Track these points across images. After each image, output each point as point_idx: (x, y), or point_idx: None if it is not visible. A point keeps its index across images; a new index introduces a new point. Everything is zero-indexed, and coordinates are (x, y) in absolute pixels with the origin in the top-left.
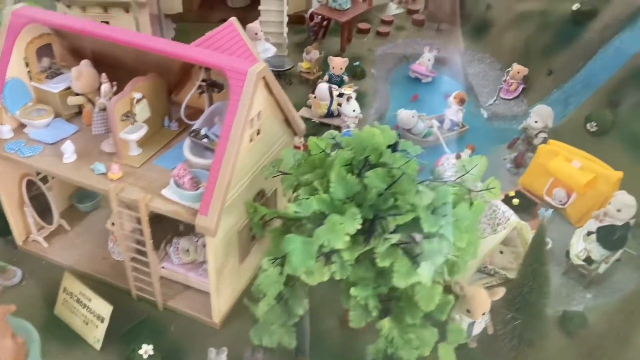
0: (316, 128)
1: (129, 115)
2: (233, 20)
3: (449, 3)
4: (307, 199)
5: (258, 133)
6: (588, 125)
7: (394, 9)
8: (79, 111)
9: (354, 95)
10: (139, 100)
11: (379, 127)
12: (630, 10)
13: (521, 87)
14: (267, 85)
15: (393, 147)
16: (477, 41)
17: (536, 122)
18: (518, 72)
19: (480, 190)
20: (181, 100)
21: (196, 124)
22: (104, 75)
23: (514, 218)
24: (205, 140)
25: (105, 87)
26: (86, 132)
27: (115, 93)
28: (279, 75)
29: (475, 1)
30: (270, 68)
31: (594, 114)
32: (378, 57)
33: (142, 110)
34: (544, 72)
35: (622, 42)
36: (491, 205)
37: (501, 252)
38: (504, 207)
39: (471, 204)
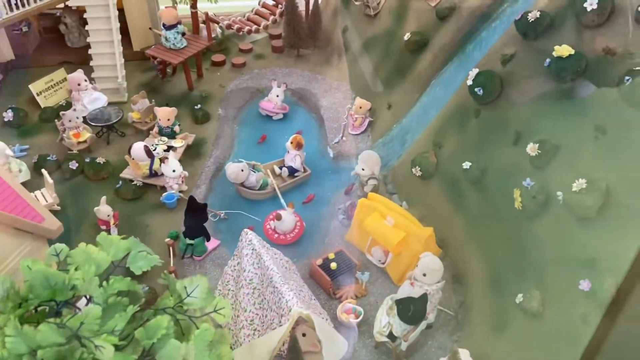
0: (140, 190)
1: None
2: None
3: (306, 26)
4: None
5: None
6: (413, 170)
7: (256, 36)
8: None
9: (172, 155)
10: None
11: (103, 240)
12: (457, 38)
13: (367, 121)
14: None
15: None
16: (335, 68)
17: (363, 169)
18: (360, 107)
19: (208, 313)
20: None
21: None
22: None
23: (295, 309)
24: None
25: None
26: None
27: None
28: (110, 127)
29: (334, 23)
30: (95, 123)
31: (418, 158)
32: (229, 93)
33: None
34: (386, 105)
35: (450, 74)
36: (277, 291)
37: (304, 335)
38: (288, 296)
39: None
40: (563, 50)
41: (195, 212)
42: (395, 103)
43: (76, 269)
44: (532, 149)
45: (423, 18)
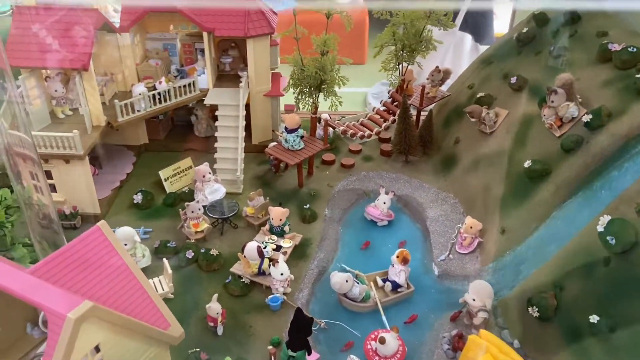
0: (247, 288)
1: None
2: (100, 225)
3: (417, 134)
4: None
5: None
6: (530, 309)
7: (358, 140)
8: None
9: (282, 258)
10: None
11: None
12: (583, 174)
13: (477, 241)
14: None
15: None
16: (443, 178)
17: (474, 299)
18: (471, 227)
19: None
20: None
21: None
22: None
23: None
24: None
25: None
26: None
27: None
28: (225, 219)
29: (446, 132)
30: (213, 214)
31: (536, 297)
32: (336, 193)
33: None
34: (499, 228)
35: (573, 209)
36: None
37: None
38: None
39: None
40: None
41: (302, 325)
42: (510, 228)
43: None
44: None
45: (545, 146)
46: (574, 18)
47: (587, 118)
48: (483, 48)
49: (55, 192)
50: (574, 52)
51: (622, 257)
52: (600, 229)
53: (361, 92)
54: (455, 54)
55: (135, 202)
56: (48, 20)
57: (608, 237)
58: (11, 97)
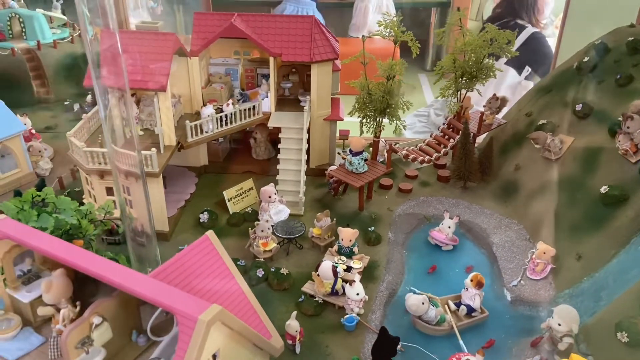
0: (320, 307)
1: (85, 342)
2: (209, 234)
3: (476, 159)
4: None
5: None
6: (619, 335)
7: (417, 165)
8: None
9: (358, 277)
10: (98, 325)
11: None
12: None
13: (549, 267)
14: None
15: None
16: (504, 204)
17: (559, 324)
18: (544, 253)
19: None
20: None
21: (155, 352)
22: (63, 300)
23: None
24: None
25: (63, 312)
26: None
27: (82, 310)
28: (291, 239)
29: (504, 158)
30: (281, 234)
31: (625, 322)
32: (396, 217)
33: (102, 335)
34: (573, 254)
35: None
36: None
37: None
38: None
39: None
40: None
41: (386, 345)
42: (586, 255)
43: None
44: None
45: (621, 172)
46: (636, 48)
47: None
48: (526, 83)
49: (132, 208)
50: (639, 81)
51: None
52: None
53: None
54: (497, 86)
55: (201, 221)
56: (132, 43)
57: None
58: (123, 115)
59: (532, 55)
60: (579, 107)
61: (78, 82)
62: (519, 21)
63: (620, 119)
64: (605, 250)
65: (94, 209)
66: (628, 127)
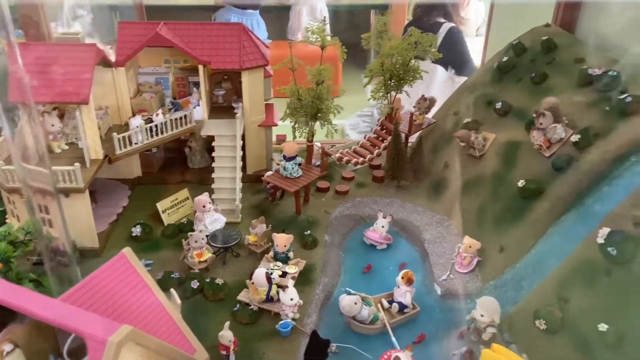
0: (255, 315)
1: None
2: (125, 251)
3: (407, 160)
4: None
5: None
6: (537, 323)
7: (352, 167)
8: None
9: (291, 283)
10: (9, 352)
11: None
12: (575, 191)
13: (476, 260)
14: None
15: None
16: (436, 201)
17: (482, 315)
18: (470, 247)
19: None
20: None
21: None
22: None
23: None
24: None
25: None
26: None
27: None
28: (227, 248)
29: (435, 157)
30: (216, 244)
31: (542, 310)
32: (333, 219)
33: None
34: (496, 247)
35: (568, 225)
36: None
37: None
38: None
39: None
40: None
41: (318, 349)
42: (508, 246)
43: None
44: None
45: (536, 166)
46: (550, 47)
47: (575, 138)
48: (459, 78)
49: (51, 227)
50: (553, 78)
51: (624, 267)
52: (600, 240)
53: (338, 124)
54: (428, 85)
55: (133, 234)
56: (49, 55)
57: (609, 248)
58: (30, 130)
59: (451, 51)
60: (498, 105)
61: None
62: (438, 19)
63: (534, 115)
64: (525, 242)
65: (13, 229)
66: (541, 124)
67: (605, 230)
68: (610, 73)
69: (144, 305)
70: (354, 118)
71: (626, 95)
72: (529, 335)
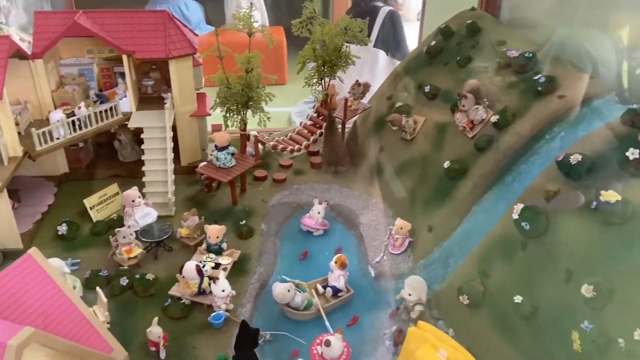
0: (187, 309)
1: None
2: (32, 252)
3: (343, 145)
4: None
5: None
6: (460, 298)
7: (288, 155)
8: None
9: (222, 274)
10: None
11: None
12: (495, 170)
13: (407, 241)
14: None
15: None
16: (372, 185)
17: (410, 294)
18: (401, 228)
19: None
20: None
21: None
22: None
23: None
24: None
25: None
26: None
27: None
28: (159, 243)
29: (371, 142)
30: (146, 239)
31: (465, 286)
32: (270, 208)
33: None
34: (426, 227)
35: (490, 202)
36: None
37: None
38: None
39: None
40: (610, 195)
41: (248, 338)
42: (436, 226)
43: None
44: (586, 290)
45: (461, 147)
46: (474, 30)
47: (494, 119)
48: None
49: None
50: (477, 61)
51: (537, 241)
52: (515, 216)
53: (285, 111)
54: (372, 69)
55: (59, 233)
56: None
57: (523, 223)
58: None
59: (389, 35)
60: (427, 88)
61: None
62: (376, 3)
63: (457, 98)
64: (452, 221)
65: None
66: (464, 105)
67: (519, 206)
68: (525, 55)
69: (53, 306)
70: (300, 105)
71: (540, 75)
72: (454, 311)
